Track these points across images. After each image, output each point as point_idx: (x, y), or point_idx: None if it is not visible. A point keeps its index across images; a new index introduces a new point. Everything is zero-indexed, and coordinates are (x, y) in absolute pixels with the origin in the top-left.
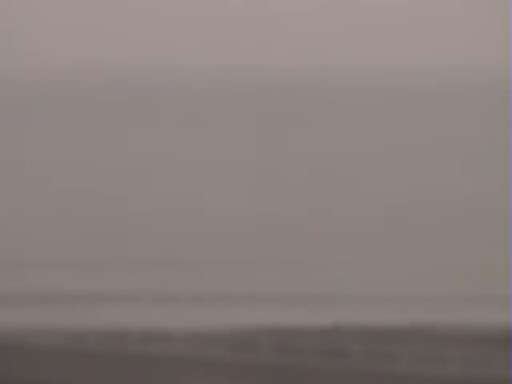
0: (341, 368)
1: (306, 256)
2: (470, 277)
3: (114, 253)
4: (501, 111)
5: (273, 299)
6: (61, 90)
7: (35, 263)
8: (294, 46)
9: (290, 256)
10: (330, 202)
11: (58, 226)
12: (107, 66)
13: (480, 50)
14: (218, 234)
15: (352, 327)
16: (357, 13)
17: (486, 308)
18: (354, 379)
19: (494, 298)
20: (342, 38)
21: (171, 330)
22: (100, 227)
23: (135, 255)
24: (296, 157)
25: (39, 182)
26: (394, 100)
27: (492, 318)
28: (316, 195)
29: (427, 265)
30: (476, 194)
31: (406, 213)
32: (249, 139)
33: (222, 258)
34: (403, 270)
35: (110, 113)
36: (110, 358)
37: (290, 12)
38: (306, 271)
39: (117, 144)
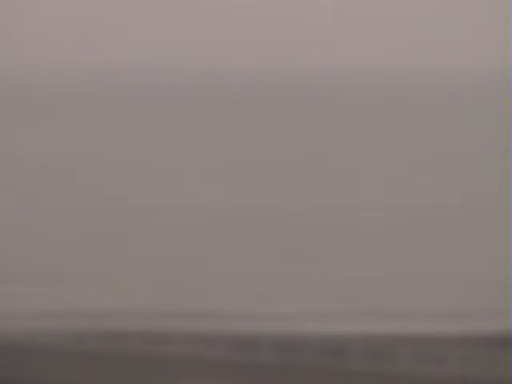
0: (341, 368)
1: (306, 269)
2: (470, 289)
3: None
4: (501, 111)
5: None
6: (61, 89)
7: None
8: (294, 46)
9: (291, 268)
10: (330, 202)
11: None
12: (107, 66)
13: (480, 50)
14: (220, 246)
15: (352, 337)
16: (357, 13)
17: (487, 318)
18: (354, 379)
19: (494, 309)
20: (342, 38)
21: (171, 330)
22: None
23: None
24: (296, 156)
25: (39, 182)
26: (394, 100)
27: (493, 326)
28: (316, 195)
29: (427, 278)
30: (476, 195)
31: (406, 220)
32: (248, 139)
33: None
34: (403, 284)
35: (110, 113)
36: (110, 358)
37: (290, 11)
38: (307, 284)
39: (117, 144)
